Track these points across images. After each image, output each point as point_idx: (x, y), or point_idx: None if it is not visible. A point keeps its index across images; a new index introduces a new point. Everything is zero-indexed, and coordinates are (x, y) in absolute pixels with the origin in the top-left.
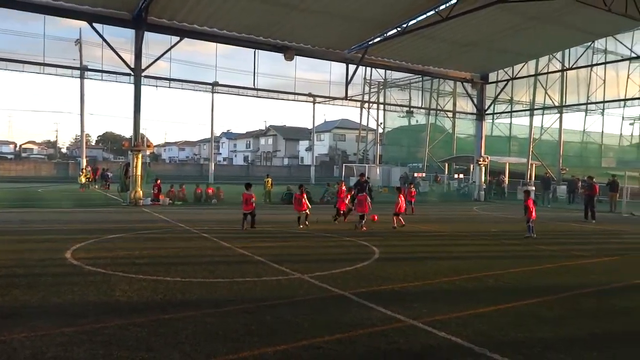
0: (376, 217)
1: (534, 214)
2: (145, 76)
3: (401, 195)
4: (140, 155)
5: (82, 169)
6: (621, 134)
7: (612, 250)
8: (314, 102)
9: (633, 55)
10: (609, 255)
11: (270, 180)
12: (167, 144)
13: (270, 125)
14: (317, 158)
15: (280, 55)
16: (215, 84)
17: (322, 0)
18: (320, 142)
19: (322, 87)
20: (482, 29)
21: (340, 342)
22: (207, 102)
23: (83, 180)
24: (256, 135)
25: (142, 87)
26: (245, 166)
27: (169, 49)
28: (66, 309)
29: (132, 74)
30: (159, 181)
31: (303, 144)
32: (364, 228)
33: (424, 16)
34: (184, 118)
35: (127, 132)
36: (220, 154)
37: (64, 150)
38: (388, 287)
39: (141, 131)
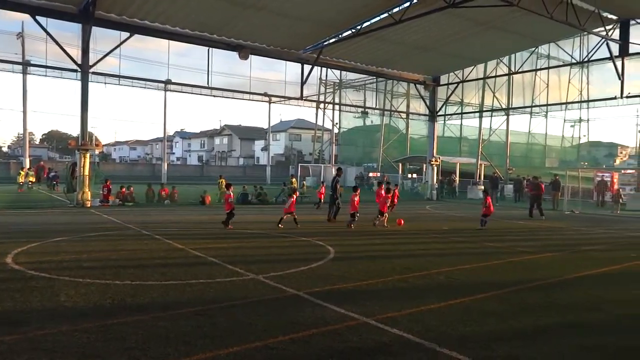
0: (402, 222)
1: (492, 208)
2: (93, 73)
3: (389, 196)
4: (88, 155)
5: (22, 168)
6: (563, 135)
7: (554, 247)
8: (269, 102)
9: (573, 61)
10: (551, 251)
11: (224, 181)
12: (117, 143)
13: (225, 125)
14: (273, 158)
15: (235, 54)
16: (167, 82)
17: (277, 0)
18: (276, 142)
19: (277, 87)
20: (433, 33)
21: (294, 342)
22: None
23: (22, 180)
24: (211, 134)
25: (90, 84)
26: (199, 166)
27: (119, 45)
28: (6, 316)
29: (79, 70)
30: (108, 182)
31: (259, 144)
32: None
33: (378, 18)
34: (135, 116)
35: (75, 130)
36: (174, 153)
37: (5, 149)
38: (342, 286)
39: (89, 129)
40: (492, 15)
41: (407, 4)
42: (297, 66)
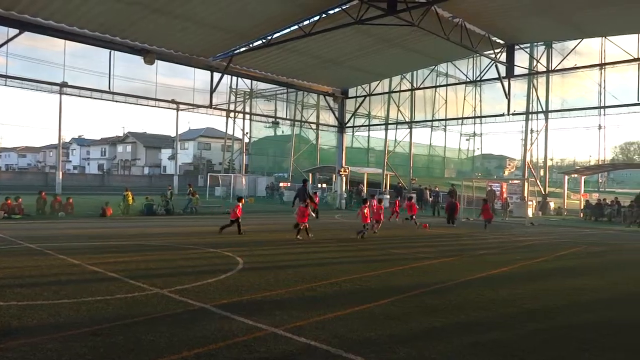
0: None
1: (382, 216)
2: None
3: (381, 206)
4: None
5: None
6: (460, 148)
7: (451, 252)
8: (177, 109)
9: (468, 80)
10: (449, 256)
11: (130, 193)
12: (3, 149)
13: (129, 132)
14: (181, 167)
15: (139, 58)
16: (63, 85)
17: (185, 5)
18: (184, 151)
19: (186, 94)
20: (341, 47)
21: (199, 358)
22: (55, 104)
23: None
24: (113, 142)
25: None
26: (100, 175)
27: (5, 43)
28: None
29: None
30: None
31: (165, 152)
32: (299, 237)
33: (288, 30)
34: (25, 121)
35: None
36: (70, 161)
37: None
38: (250, 297)
39: None
40: (395, 33)
41: (317, 17)
42: (206, 74)
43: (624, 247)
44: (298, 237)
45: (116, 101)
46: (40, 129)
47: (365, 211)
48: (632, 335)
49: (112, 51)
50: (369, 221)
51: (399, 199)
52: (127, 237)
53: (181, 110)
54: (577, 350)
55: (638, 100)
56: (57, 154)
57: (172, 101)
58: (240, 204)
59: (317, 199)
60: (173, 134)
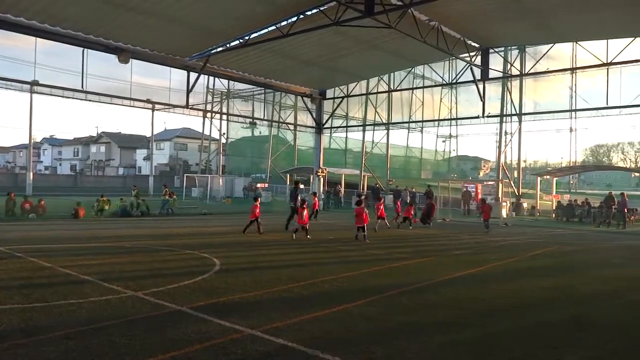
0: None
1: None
2: None
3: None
4: None
5: None
6: (436, 149)
7: (428, 252)
8: (152, 109)
9: (444, 82)
10: (425, 256)
11: (106, 198)
12: None
13: (103, 132)
14: (157, 168)
15: (114, 57)
16: (34, 83)
17: (161, 3)
18: (160, 151)
19: (161, 94)
20: (319, 48)
21: None
22: (25, 103)
23: None
24: (86, 142)
25: None
26: (72, 176)
27: None
28: None
29: None
30: None
31: (141, 153)
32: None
33: (266, 30)
34: None
35: None
36: (42, 162)
37: None
38: (227, 299)
39: None
40: (373, 35)
41: (295, 18)
42: (182, 73)
43: (593, 247)
44: (294, 235)
45: (89, 100)
46: (10, 129)
47: (381, 208)
48: (600, 333)
49: (86, 49)
50: (368, 222)
51: (399, 200)
52: (101, 239)
53: (157, 110)
54: (548, 347)
55: (607, 104)
56: (28, 154)
57: (148, 101)
58: (257, 204)
59: (317, 202)
60: (148, 134)
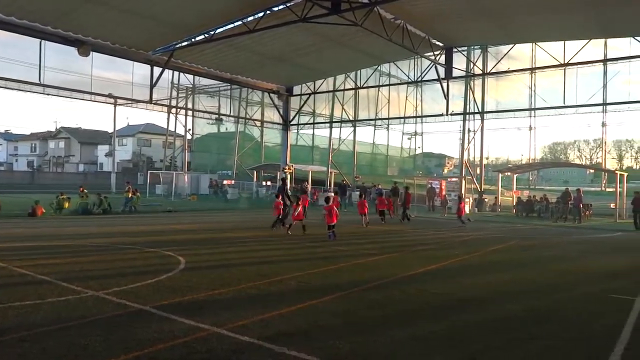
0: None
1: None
2: None
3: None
4: None
5: None
6: (402, 147)
7: (394, 248)
8: (114, 104)
9: (409, 80)
10: (391, 252)
11: (65, 196)
12: None
13: (62, 127)
14: (119, 164)
15: (73, 49)
16: None
17: None
18: (123, 147)
19: (124, 88)
20: (286, 45)
21: None
22: None
23: None
24: (44, 137)
25: None
26: (30, 172)
27: None
28: None
29: None
30: None
31: (102, 149)
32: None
33: (232, 25)
34: None
35: None
36: None
37: None
38: (193, 297)
39: None
40: (340, 32)
41: (261, 14)
42: (146, 68)
43: (550, 242)
44: (289, 232)
45: (47, 94)
46: None
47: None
48: (555, 323)
49: (43, 41)
50: (336, 221)
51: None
52: (60, 238)
53: (119, 105)
54: (507, 339)
55: (564, 103)
56: None
57: (110, 95)
58: (279, 200)
59: (307, 200)
60: (110, 130)
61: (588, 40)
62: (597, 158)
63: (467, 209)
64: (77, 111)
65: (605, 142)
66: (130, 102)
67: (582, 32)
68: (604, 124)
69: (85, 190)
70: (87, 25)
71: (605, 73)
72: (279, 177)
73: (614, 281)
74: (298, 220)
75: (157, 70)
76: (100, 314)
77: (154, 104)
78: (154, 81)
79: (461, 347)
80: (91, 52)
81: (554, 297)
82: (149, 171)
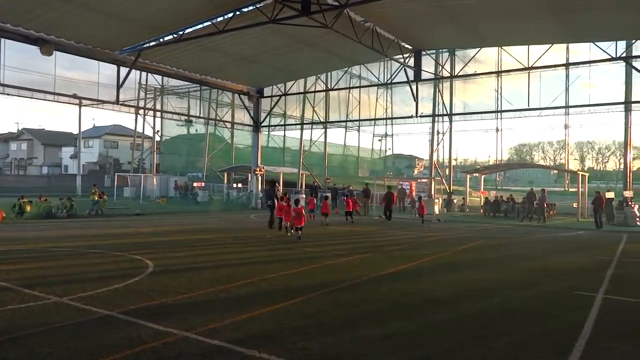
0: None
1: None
2: None
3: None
4: None
5: None
6: (372, 148)
7: (365, 248)
8: (79, 105)
9: (379, 82)
10: (362, 253)
11: (27, 199)
12: None
13: (24, 128)
14: (85, 167)
15: (35, 48)
16: None
17: None
18: (89, 149)
19: (90, 89)
20: (256, 46)
21: None
22: None
23: None
24: (5, 139)
25: None
26: None
27: None
28: None
29: None
30: None
31: (67, 151)
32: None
33: (201, 26)
34: None
35: None
36: None
37: None
38: (161, 301)
39: None
40: (310, 34)
41: (231, 14)
42: (112, 68)
43: (517, 241)
44: (288, 234)
45: (8, 94)
46: None
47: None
48: (522, 320)
49: (2, 39)
50: (305, 222)
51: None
52: (22, 243)
53: (84, 105)
54: (475, 337)
55: (529, 105)
56: None
57: (74, 96)
58: (282, 203)
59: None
60: (75, 131)
61: (551, 45)
62: (561, 159)
63: (436, 210)
64: (40, 112)
65: (567, 144)
66: (96, 102)
67: (545, 37)
68: (566, 126)
69: (47, 199)
70: (49, 23)
71: (567, 77)
72: (249, 179)
73: (577, 278)
74: (288, 221)
75: (124, 70)
76: (65, 321)
77: (121, 104)
78: (120, 82)
79: (431, 345)
80: (54, 52)
81: (521, 294)
82: (116, 173)
